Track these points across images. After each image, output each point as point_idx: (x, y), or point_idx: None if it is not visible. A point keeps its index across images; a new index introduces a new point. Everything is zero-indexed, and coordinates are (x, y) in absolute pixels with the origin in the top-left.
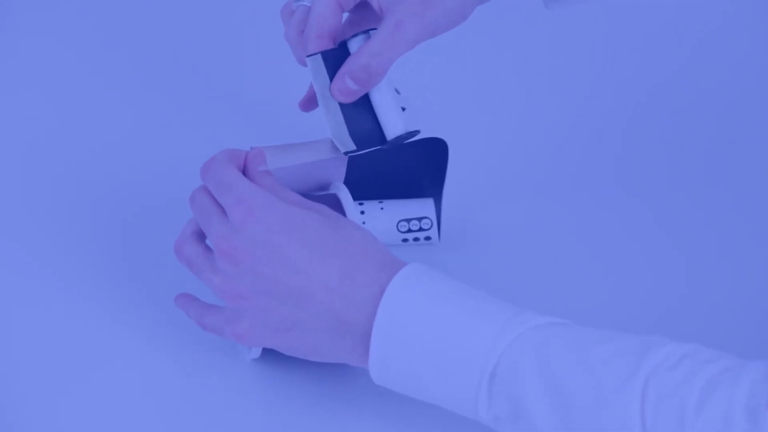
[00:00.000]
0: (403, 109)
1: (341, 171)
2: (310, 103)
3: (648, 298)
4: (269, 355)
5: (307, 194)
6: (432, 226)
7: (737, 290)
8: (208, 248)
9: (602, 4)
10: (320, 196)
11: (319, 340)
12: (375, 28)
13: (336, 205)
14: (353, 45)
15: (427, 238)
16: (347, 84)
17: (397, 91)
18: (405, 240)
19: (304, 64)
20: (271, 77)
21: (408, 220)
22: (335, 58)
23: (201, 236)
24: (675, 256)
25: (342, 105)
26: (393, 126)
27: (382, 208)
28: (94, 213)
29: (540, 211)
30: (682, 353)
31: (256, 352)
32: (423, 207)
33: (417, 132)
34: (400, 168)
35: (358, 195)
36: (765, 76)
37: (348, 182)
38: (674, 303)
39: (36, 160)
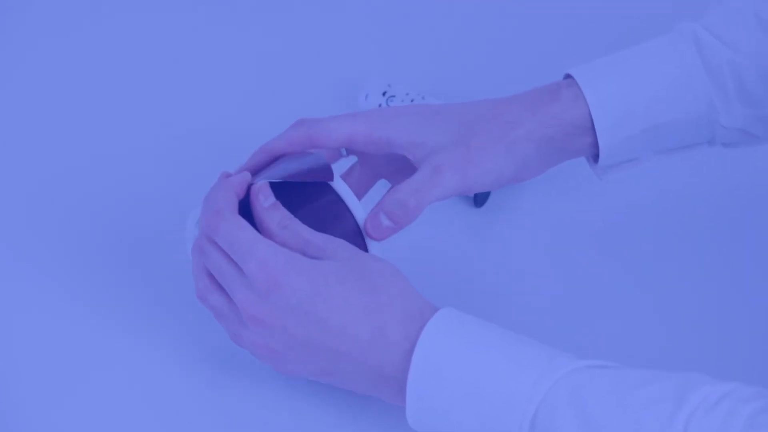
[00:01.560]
0: None
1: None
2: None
3: (685, 326)
4: None
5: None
6: None
7: None
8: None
9: (582, 42)
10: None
11: (359, 387)
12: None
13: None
14: None
15: None
16: (381, 221)
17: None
18: None
19: None
20: (274, 90)
21: None
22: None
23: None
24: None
25: None
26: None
27: None
28: (99, 216)
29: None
30: (721, 393)
31: None
32: None
33: None
34: None
35: None
36: None
37: None
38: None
39: (40, 163)
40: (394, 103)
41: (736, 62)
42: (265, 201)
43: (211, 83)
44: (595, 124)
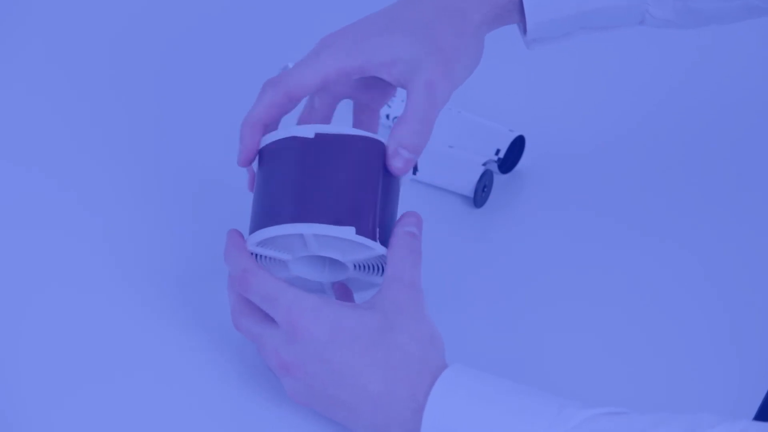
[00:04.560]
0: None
1: None
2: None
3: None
4: None
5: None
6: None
7: None
8: (263, 317)
9: (582, 42)
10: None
11: None
12: None
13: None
14: None
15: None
16: (402, 154)
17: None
18: None
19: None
20: None
21: None
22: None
23: (250, 303)
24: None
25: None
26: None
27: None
28: (101, 216)
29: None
30: None
31: None
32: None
33: None
34: None
35: None
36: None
37: None
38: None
39: (51, 159)
40: (393, 103)
41: None
42: (406, 225)
43: (209, 81)
44: (524, 4)
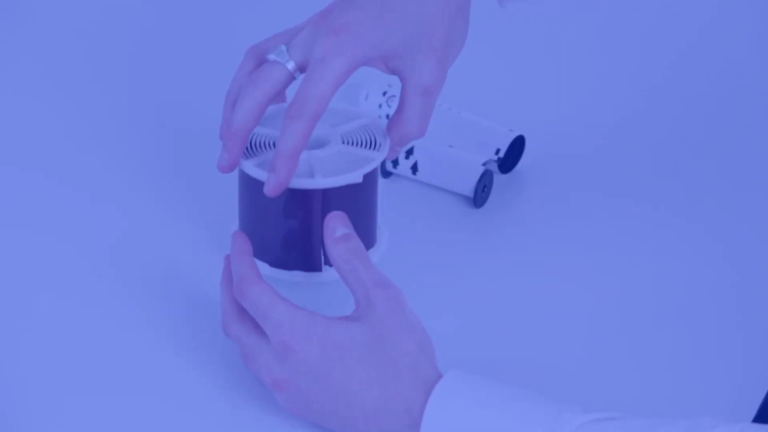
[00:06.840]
0: None
1: None
2: None
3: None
4: None
5: None
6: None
7: None
8: (254, 328)
9: (582, 42)
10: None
11: None
12: None
13: None
14: None
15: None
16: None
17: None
18: None
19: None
20: None
21: None
22: None
23: (242, 311)
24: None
25: None
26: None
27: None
28: (100, 218)
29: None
30: None
31: None
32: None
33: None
34: None
35: None
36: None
37: None
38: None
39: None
40: (394, 103)
41: None
42: (335, 231)
43: (210, 82)
44: None
